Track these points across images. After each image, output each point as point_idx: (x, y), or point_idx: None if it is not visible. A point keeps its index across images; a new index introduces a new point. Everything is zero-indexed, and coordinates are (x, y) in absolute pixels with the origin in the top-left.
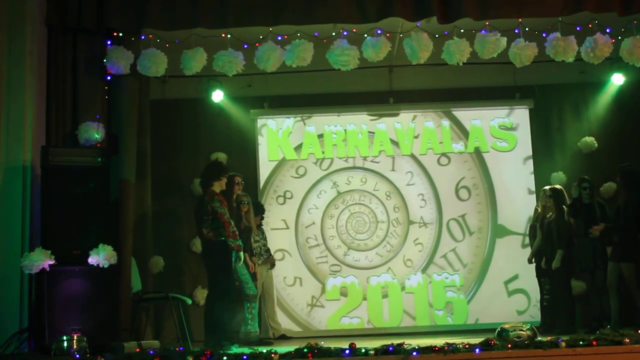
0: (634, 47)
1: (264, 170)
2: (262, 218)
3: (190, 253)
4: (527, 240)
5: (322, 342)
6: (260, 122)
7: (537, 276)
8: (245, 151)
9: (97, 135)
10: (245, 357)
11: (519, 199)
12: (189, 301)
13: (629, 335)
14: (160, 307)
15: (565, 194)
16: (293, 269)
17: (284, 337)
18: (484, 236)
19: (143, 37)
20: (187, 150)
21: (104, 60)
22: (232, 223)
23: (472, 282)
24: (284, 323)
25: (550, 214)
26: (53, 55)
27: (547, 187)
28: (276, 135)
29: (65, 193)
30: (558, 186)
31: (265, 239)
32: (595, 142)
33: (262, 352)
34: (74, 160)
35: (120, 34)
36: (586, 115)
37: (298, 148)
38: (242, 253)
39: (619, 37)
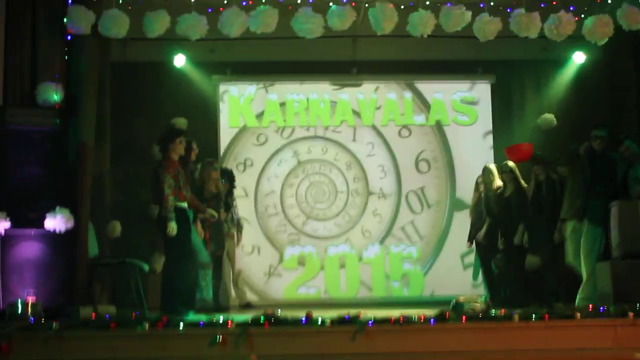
0: (596, 26)
1: (225, 137)
2: (234, 187)
3: (149, 218)
4: None
5: (279, 311)
6: (222, 88)
7: (484, 254)
8: (206, 117)
9: (56, 97)
10: (201, 323)
11: (477, 173)
12: (146, 267)
13: (581, 310)
14: (117, 272)
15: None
16: (251, 238)
17: (249, 306)
18: (442, 209)
19: None
20: (147, 114)
21: (64, 20)
22: (181, 192)
23: (429, 254)
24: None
25: (508, 189)
26: (11, 12)
27: (506, 163)
28: (238, 102)
29: (22, 154)
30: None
31: (236, 207)
32: (554, 119)
33: (218, 320)
34: (32, 120)
35: None
36: (547, 92)
37: (260, 116)
38: (173, 223)
39: (582, 16)
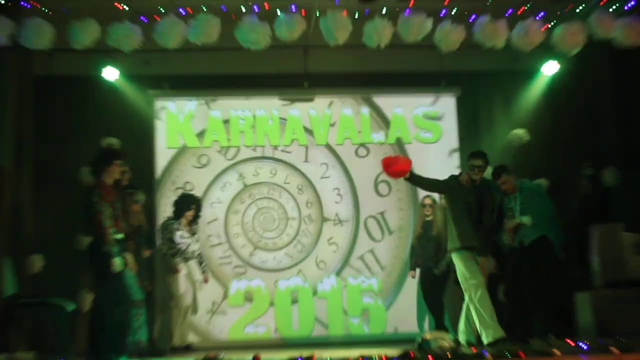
0: (566, 35)
1: (162, 158)
2: (198, 216)
3: (75, 252)
4: None
5: (223, 354)
6: (159, 104)
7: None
8: (141, 137)
9: None
10: None
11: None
12: (71, 307)
13: (560, 346)
14: (37, 313)
15: None
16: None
17: (189, 349)
18: (405, 236)
19: (26, 6)
20: (74, 134)
21: None
22: (118, 222)
23: (391, 286)
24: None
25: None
26: None
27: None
28: (176, 120)
29: None
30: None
31: (196, 241)
32: (526, 134)
33: None
34: None
35: (1, 1)
36: (517, 105)
37: (201, 134)
38: (118, 259)
39: (553, 23)
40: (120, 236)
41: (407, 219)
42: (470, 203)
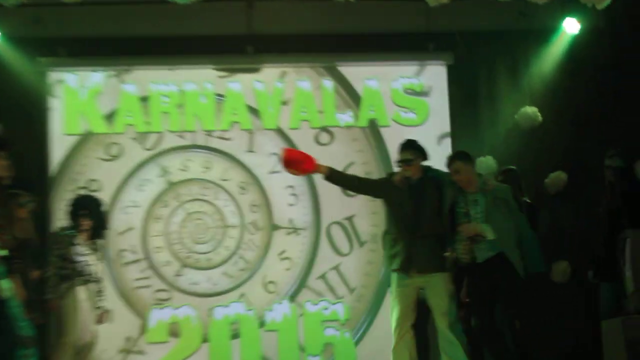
0: None
1: (58, 149)
2: (101, 227)
3: None
4: None
5: None
6: (54, 76)
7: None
8: (29, 120)
9: None
10: None
11: None
12: None
13: None
14: None
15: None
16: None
17: None
18: (380, 247)
19: None
20: None
21: None
22: (3, 235)
23: (362, 314)
24: None
25: None
26: None
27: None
28: (77, 98)
29: None
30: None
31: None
32: (538, 113)
33: None
34: None
35: None
36: (527, 75)
37: (110, 117)
38: (3, 282)
39: None
40: (3, 252)
41: (383, 226)
42: (405, 209)
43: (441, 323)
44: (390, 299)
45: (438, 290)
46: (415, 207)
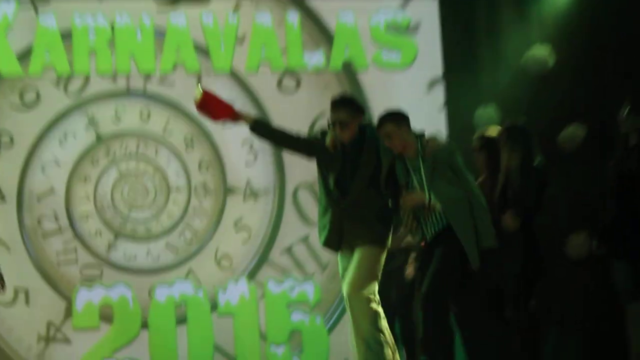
0: None
1: None
2: None
3: None
4: None
5: None
6: None
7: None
8: None
9: None
10: None
11: None
12: None
13: None
14: None
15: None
16: (13, 275)
17: None
18: None
19: None
20: None
21: None
22: None
23: (336, 296)
24: None
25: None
26: None
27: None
28: None
29: None
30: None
31: None
32: (550, 55)
33: None
34: None
35: None
36: (537, 8)
37: (25, 56)
38: None
39: None
40: None
41: None
42: (336, 176)
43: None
44: None
45: (360, 258)
46: (347, 174)
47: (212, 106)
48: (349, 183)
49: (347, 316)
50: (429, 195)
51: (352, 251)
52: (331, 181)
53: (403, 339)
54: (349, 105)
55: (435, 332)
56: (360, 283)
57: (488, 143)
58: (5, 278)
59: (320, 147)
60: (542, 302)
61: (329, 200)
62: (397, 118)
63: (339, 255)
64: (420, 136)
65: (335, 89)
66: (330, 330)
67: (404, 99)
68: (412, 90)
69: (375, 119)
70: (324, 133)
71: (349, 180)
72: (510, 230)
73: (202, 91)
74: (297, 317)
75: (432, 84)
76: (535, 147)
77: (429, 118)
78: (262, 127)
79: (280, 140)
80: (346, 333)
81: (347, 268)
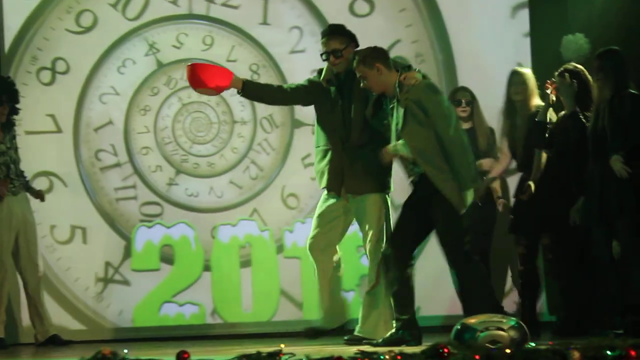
0: None
1: (13, 17)
2: (15, 111)
3: None
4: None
5: (126, 351)
6: None
7: (522, 230)
8: None
9: None
10: None
11: (500, 82)
12: None
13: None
14: None
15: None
16: (68, 211)
17: (54, 341)
18: None
19: None
20: None
21: None
22: None
23: None
24: (53, 314)
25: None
26: None
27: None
28: None
29: None
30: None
31: (16, 151)
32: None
33: None
34: None
35: None
36: None
37: None
38: None
39: None
40: None
41: None
42: (335, 114)
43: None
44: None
45: (366, 213)
46: (344, 110)
47: (207, 76)
48: (347, 120)
49: (420, 261)
50: (402, 142)
51: (351, 195)
52: (329, 120)
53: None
54: (340, 33)
55: (470, 286)
56: (378, 236)
57: (577, 73)
58: (61, 215)
59: (312, 89)
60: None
61: (329, 141)
62: (369, 58)
63: (327, 194)
64: (404, 69)
65: (412, 14)
66: None
67: (485, 24)
68: (495, 15)
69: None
70: (320, 70)
71: (345, 116)
72: (623, 176)
73: (190, 66)
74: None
75: (516, 9)
76: (629, 76)
77: (513, 45)
78: (252, 88)
79: (273, 96)
80: (418, 279)
81: (333, 206)
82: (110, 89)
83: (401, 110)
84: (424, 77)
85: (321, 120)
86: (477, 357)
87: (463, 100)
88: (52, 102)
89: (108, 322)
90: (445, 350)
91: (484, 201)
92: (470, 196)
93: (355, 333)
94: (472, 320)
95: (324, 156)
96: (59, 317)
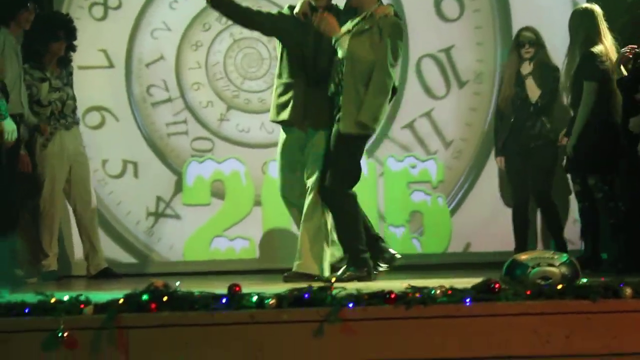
0: None
1: None
2: (72, 48)
3: None
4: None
5: (178, 283)
6: None
7: (585, 166)
8: None
9: None
10: (26, 310)
11: (558, 15)
12: None
13: None
14: None
15: None
16: (120, 146)
17: (107, 274)
18: (487, 90)
19: None
20: None
21: None
22: None
23: (460, 175)
24: (105, 248)
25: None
26: None
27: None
28: None
29: None
30: None
31: (72, 88)
32: None
33: (60, 302)
34: None
35: None
36: None
37: None
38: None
39: None
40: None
41: (490, 62)
42: (304, 48)
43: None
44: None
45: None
46: (316, 43)
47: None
48: (316, 55)
49: (471, 197)
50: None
51: (314, 130)
52: (298, 53)
53: None
54: None
55: None
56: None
57: None
58: (113, 149)
59: (280, 20)
60: None
61: (294, 75)
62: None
63: (285, 129)
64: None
65: None
66: (453, 212)
67: None
68: None
69: None
70: (292, 6)
71: (319, 49)
72: None
73: None
74: (418, 197)
75: None
76: None
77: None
78: (222, 2)
79: (241, 15)
80: (469, 214)
81: (295, 153)
82: (162, 24)
83: (356, 25)
84: (396, 14)
85: (289, 53)
86: (528, 292)
87: (527, 43)
88: (105, 38)
89: (159, 255)
90: (496, 285)
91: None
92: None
93: (294, 269)
94: (523, 257)
95: (287, 89)
96: (110, 251)
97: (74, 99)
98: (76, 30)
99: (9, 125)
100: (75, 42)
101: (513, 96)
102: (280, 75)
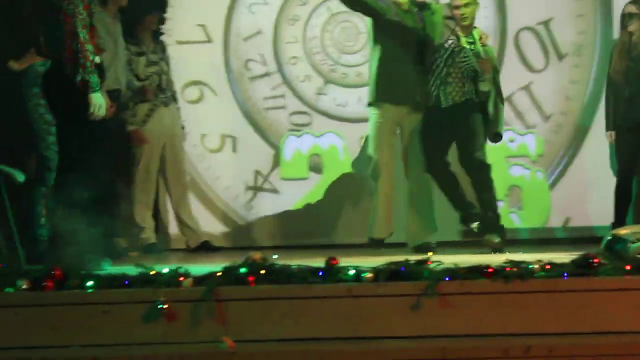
0: None
1: None
2: (162, 21)
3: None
4: None
5: (276, 257)
6: None
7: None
8: None
9: None
10: (127, 282)
11: None
12: (21, 177)
13: None
14: None
15: None
16: (219, 120)
17: (205, 247)
18: (587, 63)
19: None
20: None
21: None
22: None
23: (560, 149)
24: (203, 222)
25: None
26: None
27: None
28: None
29: None
30: None
31: (167, 62)
32: None
33: (160, 274)
34: None
35: None
36: None
37: None
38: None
39: None
40: (98, 59)
41: (591, 35)
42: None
43: None
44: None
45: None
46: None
47: None
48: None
49: (570, 171)
50: None
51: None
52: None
53: None
54: None
55: None
56: None
57: None
58: (212, 124)
59: (390, 9)
60: None
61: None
62: None
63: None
64: None
65: None
66: (552, 186)
67: None
68: None
69: None
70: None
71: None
72: None
73: None
74: (517, 171)
75: None
76: None
77: None
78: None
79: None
80: (568, 189)
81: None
82: None
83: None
84: None
85: (389, 30)
86: (628, 267)
87: (628, 16)
88: (203, 12)
89: (257, 229)
90: (596, 260)
91: None
92: None
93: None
94: (623, 232)
95: (393, 72)
96: (209, 225)
97: (169, 74)
98: (167, 2)
99: (98, 99)
100: (168, 16)
101: (625, 69)
102: (376, 58)
